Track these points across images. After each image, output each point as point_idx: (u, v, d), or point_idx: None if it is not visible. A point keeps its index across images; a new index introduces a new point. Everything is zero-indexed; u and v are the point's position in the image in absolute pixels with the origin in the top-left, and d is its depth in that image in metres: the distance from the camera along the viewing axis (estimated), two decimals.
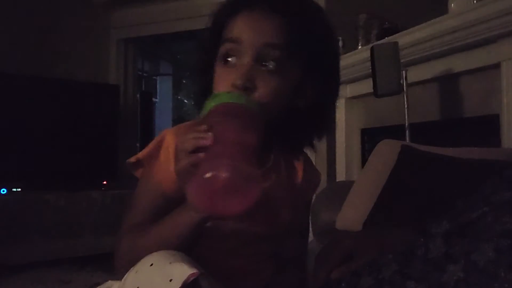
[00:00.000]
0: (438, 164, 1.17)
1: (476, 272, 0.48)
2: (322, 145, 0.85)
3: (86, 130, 3.09)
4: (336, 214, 1.33)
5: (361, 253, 0.63)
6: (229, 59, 0.72)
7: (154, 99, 5.26)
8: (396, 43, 1.76)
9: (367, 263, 0.58)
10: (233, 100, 0.65)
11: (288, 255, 0.84)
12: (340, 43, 2.20)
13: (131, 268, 0.62)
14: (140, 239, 0.70)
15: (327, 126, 0.82)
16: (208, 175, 0.55)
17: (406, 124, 1.77)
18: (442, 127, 1.91)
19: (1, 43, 2.88)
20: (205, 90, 0.77)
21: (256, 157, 0.60)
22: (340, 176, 2.48)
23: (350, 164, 2.46)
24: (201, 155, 0.60)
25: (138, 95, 3.53)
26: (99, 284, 0.71)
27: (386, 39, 1.99)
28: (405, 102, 1.77)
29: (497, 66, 1.59)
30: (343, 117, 2.43)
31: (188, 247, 0.66)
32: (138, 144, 3.28)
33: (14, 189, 2.78)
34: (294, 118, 0.76)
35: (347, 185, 1.40)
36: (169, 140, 0.74)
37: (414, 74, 1.83)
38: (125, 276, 0.62)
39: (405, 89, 1.76)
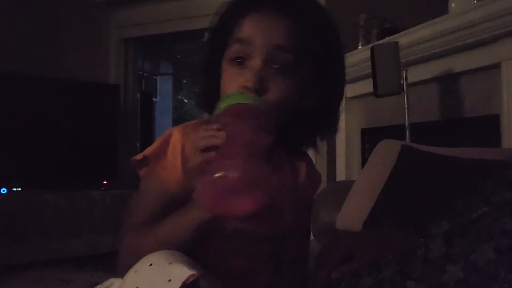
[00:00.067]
0: (438, 164, 1.17)
1: (476, 272, 0.47)
2: (322, 145, 0.84)
3: (86, 130, 3.09)
4: (336, 214, 1.33)
5: (361, 253, 0.63)
6: (239, 60, 0.72)
7: (154, 99, 5.25)
8: (396, 43, 1.76)
9: (367, 263, 0.58)
10: (246, 101, 0.65)
11: (289, 255, 0.84)
12: None
13: (131, 268, 0.62)
14: (143, 238, 0.70)
15: (331, 127, 0.82)
16: (218, 174, 0.55)
17: (406, 124, 1.77)
18: (442, 127, 1.91)
19: (1, 43, 2.88)
20: (209, 90, 0.77)
21: (268, 159, 0.60)
22: (340, 176, 2.48)
23: (350, 164, 2.46)
24: (213, 153, 0.60)
25: (138, 95, 3.53)
26: (99, 283, 0.71)
27: (386, 39, 1.99)
28: (405, 102, 1.77)
29: (497, 66, 1.59)
30: (343, 117, 2.42)
31: (190, 247, 0.66)
32: (138, 144, 3.28)
33: (14, 189, 2.78)
34: (299, 119, 0.76)
35: (347, 185, 1.40)
36: (176, 138, 0.73)
37: (414, 74, 1.83)
38: (126, 275, 0.62)
39: (405, 89, 1.76)
